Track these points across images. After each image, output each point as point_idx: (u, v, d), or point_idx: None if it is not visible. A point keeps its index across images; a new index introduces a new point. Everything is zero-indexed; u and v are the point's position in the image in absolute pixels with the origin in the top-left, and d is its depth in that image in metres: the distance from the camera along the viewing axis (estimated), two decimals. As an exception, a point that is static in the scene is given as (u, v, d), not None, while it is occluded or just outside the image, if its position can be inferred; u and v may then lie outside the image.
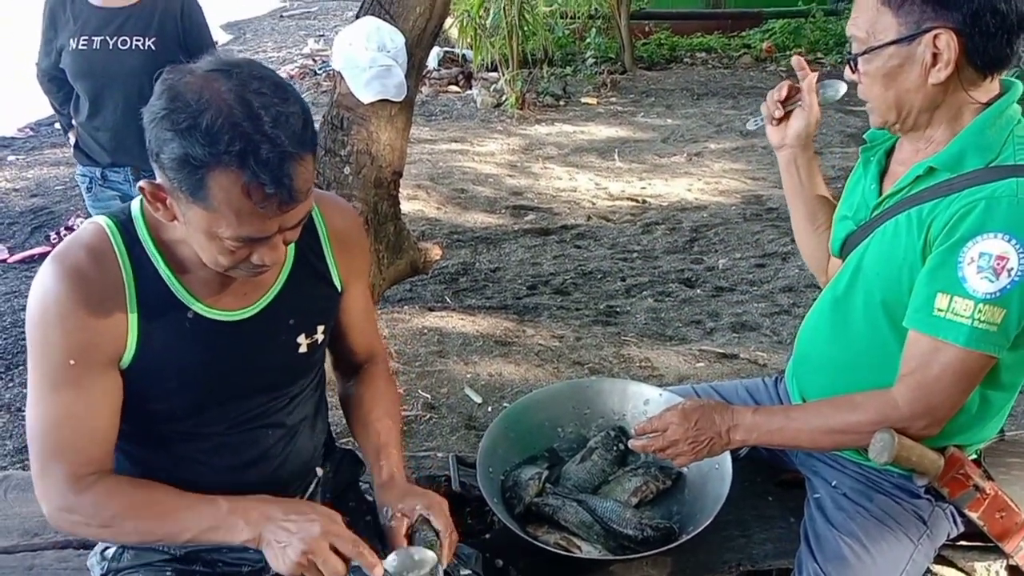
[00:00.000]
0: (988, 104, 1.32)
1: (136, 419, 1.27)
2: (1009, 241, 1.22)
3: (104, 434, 1.24)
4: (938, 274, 1.27)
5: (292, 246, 1.33)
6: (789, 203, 1.67)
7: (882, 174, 1.47)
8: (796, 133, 1.56)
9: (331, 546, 1.18)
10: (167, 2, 2.74)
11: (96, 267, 1.20)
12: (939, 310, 1.27)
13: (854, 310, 1.44)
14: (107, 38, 2.68)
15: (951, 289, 1.25)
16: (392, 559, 1.22)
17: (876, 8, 1.28)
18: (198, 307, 1.26)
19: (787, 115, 1.56)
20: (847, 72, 1.37)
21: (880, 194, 1.44)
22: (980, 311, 1.24)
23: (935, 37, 1.25)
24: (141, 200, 1.24)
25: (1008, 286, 1.22)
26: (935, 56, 1.26)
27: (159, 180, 1.13)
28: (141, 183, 1.14)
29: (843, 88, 1.51)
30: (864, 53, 1.30)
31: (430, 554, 1.23)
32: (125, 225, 1.24)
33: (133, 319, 1.22)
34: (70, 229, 4.25)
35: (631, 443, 1.54)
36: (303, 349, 1.37)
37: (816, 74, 1.53)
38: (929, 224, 1.30)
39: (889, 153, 1.48)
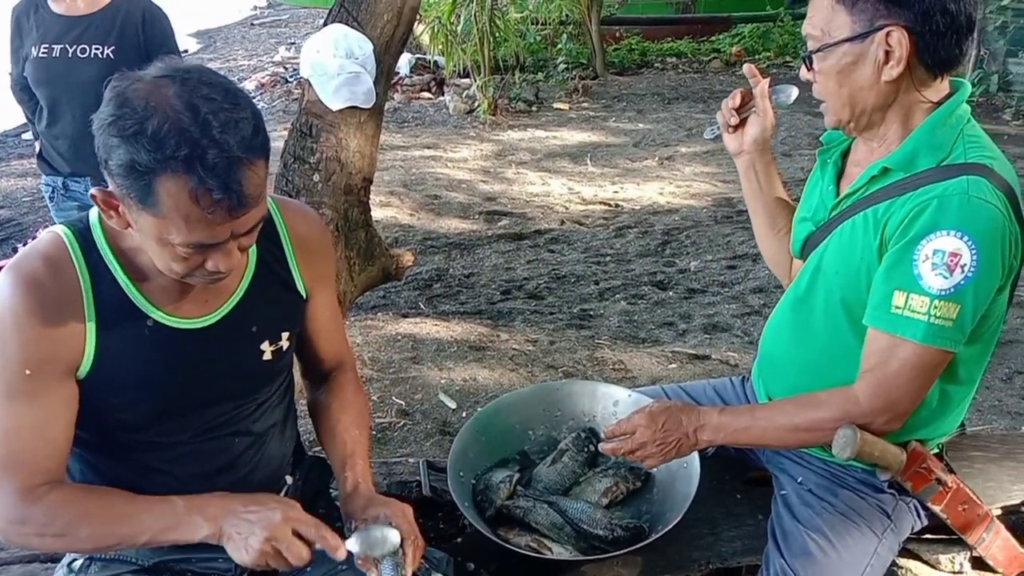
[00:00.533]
0: (938, 104, 1.34)
1: (99, 429, 1.26)
2: (961, 238, 1.24)
3: (58, 445, 1.22)
4: (894, 272, 1.30)
5: (254, 252, 1.33)
6: (749, 208, 1.70)
7: (839, 175, 1.50)
8: (752, 139, 1.60)
9: (294, 531, 1.18)
10: (128, 11, 2.72)
11: (53, 276, 1.19)
12: (896, 307, 1.29)
13: (815, 309, 1.46)
14: (66, 46, 2.65)
15: (907, 286, 1.28)
16: (354, 539, 1.22)
17: (831, 7, 1.31)
18: (157, 315, 1.25)
19: (743, 122, 1.60)
20: (803, 71, 1.39)
21: (837, 195, 1.47)
22: (936, 307, 1.26)
23: (887, 34, 1.27)
24: (99, 211, 1.23)
25: (962, 282, 1.25)
26: (887, 54, 1.29)
27: (110, 187, 1.12)
28: (93, 190, 1.13)
29: (795, 92, 1.54)
30: (819, 50, 1.33)
31: (393, 531, 1.23)
32: (82, 233, 1.23)
33: (91, 328, 1.20)
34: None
35: (601, 447, 1.55)
36: (267, 356, 1.36)
37: (768, 80, 1.56)
38: (884, 223, 1.33)
39: (845, 155, 1.51)
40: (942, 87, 1.35)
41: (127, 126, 1.05)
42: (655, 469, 1.65)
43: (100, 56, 2.64)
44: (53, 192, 2.86)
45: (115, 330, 1.22)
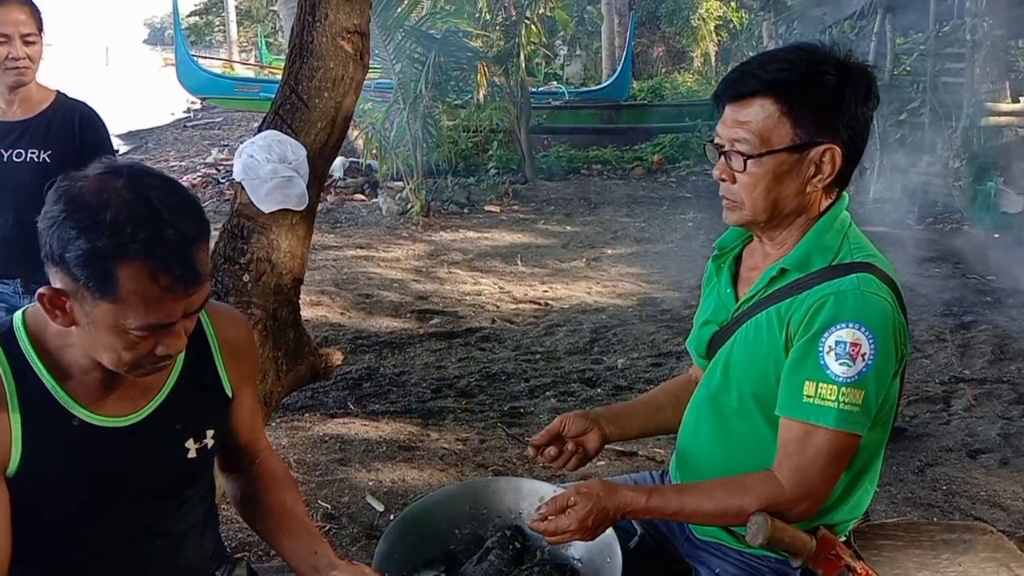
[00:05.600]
0: (823, 212, 1.48)
1: (24, 531, 1.24)
2: (860, 329, 1.35)
3: None
4: (803, 364, 1.39)
5: (182, 353, 1.35)
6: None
7: (734, 278, 1.60)
8: (596, 448, 1.69)
9: None
10: (64, 116, 2.75)
11: None
12: (808, 396, 1.38)
13: (729, 405, 1.53)
14: (2, 151, 2.67)
15: (816, 376, 1.37)
16: None
17: (777, 115, 1.40)
18: (82, 413, 1.26)
19: (569, 454, 1.68)
20: (718, 169, 1.46)
21: (737, 298, 1.57)
22: (844, 394, 1.35)
23: (824, 151, 1.40)
24: (23, 312, 1.27)
25: (863, 369, 1.35)
26: (817, 167, 1.41)
27: (59, 285, 1.15)
28: (41, 289, 1.16)
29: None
30: (761, 155, 1.41)
31: None
32: (6, 336, 1.25)
33: (16, 428, 1.21)
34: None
35: (530, 523, 1.56)
36: (192, 454, 1.36)
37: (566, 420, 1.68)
38: (788, 320, 1.42)
39: (737, 260, 1.62)
40: (833, 197, 1.49)
41: (83, 218, 1.10)
42: (580, 565, 1.66)
43: (36, 160, 2.65)
44: (-19, 293, 2.80)
45: (40, 429, 1.23)
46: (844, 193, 1.51)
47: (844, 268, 1.41)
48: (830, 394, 1.36)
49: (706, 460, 1.59)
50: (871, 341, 1.35)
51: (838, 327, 1.36)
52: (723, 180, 1.47)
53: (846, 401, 1.36)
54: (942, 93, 8.39)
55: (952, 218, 8.04)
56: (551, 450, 1.68)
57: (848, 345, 1.35)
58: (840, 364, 1.35)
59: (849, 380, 1.35)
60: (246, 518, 1.54)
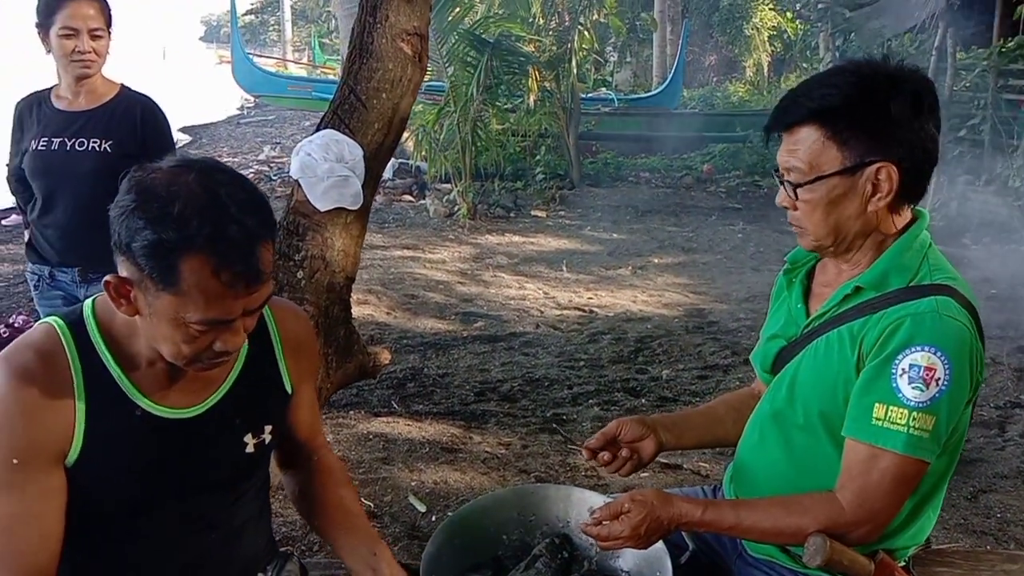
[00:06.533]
0: (903, 229, 1.45)
1: (79, 520, 1.26)
2: (935, 354, 1.32)
3: (49, 539, 1.22)
4: (874, 385, 1.36)
5: (243, 347, 1.37)
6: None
7: (806, 294, 1.58)
8: (650, 455, 1.68)
9: None
10: (127, 107, 2.81)
11: (44, 367, 1.21)
12: (877, 419, 1.35)
13: (794, 422, 1.51)
14: (65, 139, 2.73)
15: (887, 399, 1.34)
16: None
17: (821, 141, 1.38)
18: (145, 403, 1.27)
19: (624, 460, 1.66)
20: (780, 198, 1.46)
21: (808, 314, 1.54)
22: (914, 419, 1.32)
23: (878, 169, 1.38)
24: (92, 301, 1.29)
25: (937, 395, 1.32)
26: (875, 186, 1.39)
27: (125, 274, 1.17)
28: (108, 278, 1.17)
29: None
30: (811, 182, 1.40)
31: None
32: (76, 325, 1.26)
33: (80, 415, 1.23)
34: (10, 326, 4.17)
35: (582, 527, 1.55)
36: (250, 449, 1.38)
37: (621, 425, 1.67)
38: (861, 340, 1.39)
39: (809, 275, 1.60)
40: (907, 215, 1.46)
41: (152, 209, 1.12)
42: (629, 578, 1.64)
43: (98, 150, 2.72)
44: (39, 281, 2.88)
45: (104, 418, 1.24)
46: (923, 211, 1.48)
47: (922, 290, 1.38)
48: (900, 418, 1.33)
49: (767, 476, 1.56)
50: (946, 366, 1.32)
51: (913, 350, 1.33)
52: (786, 207, 1.47)
53: (916, 426, 1.33)
54: (1004, 110, 8.18)
55: (1011, 238, 7.82)
56: (605, 455, 1.67)
57: (922, 369, 1.32)
58: (913, 388, 1.32)
59: (921, 405, 1.32)
60: (303, 513, 1.55)
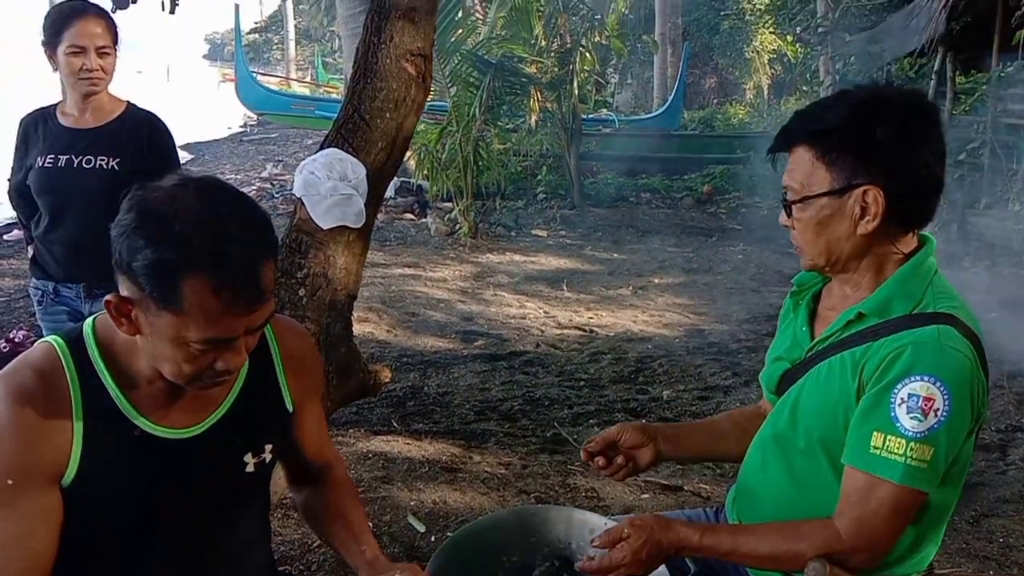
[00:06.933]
0: (909, 255, 1.45)
1: (74, 541, 1.25)
2: (935, 384, 1.31)
3: (38, 560, 1.20)
4: (873, 414, 1.35)
5: (244, 366, 1.37)
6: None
7: (811, 317, 1.58)
8: (647, 463, 1.69)
9: None
10: (134, 124, 2.82)
11: (43, 387, 1.21)
12: (875, 448, 1.34)
13: (795, 446, 1.50)
14: (72, 157, 2.74)
15: (885, 428, 1.33)
16: None
17: (811, 162, 1.41)
18: (144, 424, 1.27)
19: (619, 466, 1.68)
20: (782, 217, 1.49)
21: (812, 337, 1.54)
22: (912, 449, 1.32)
23: (864, 192, 1.38)
24: (92, 320, 1.28)
25: (935, 425, 1.31)
26: (863, 209, 1.39)
27: (126, 293, 1.16)
28: (108, 296, 1.17)
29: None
30: (799, 201, 1.43)
31: None
32: (75, 344, 1.26)
33: (78, 435, 1.22)
34: (11, 341, 4.16)
35: (582, 567, 1.54)
36: (250, 468, 1.37)
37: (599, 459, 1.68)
38: (862, 367, 1.39)
39: (816, 297, 1.60)
40: (912, 241, 1.46)
41: (153, 228, 1.11)
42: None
43: (105, 167, 2.72)
44: (43, 296, 2.88)
45: (101, 438, 1.24)
46: (931, 237, 1.48)
47: (925, 318, 1.38)
48: (898, 448, 1.32)
49: (769, 499, 1.56)
50: (945, 397, 1.31)
51: (912, 379, 1.32)
52: (787, 227, 1.49)
53: (914, 457, 1.32)
54: (1003, 134, 8.21)
55: (1011, 261, 7.83)
56: (600, 459, 1.67)
57: (921, 399, 1.31)
58: (911, 418, 1.32)
59: (919, 435, 1.32)
60: (312, 527, 1.55)
